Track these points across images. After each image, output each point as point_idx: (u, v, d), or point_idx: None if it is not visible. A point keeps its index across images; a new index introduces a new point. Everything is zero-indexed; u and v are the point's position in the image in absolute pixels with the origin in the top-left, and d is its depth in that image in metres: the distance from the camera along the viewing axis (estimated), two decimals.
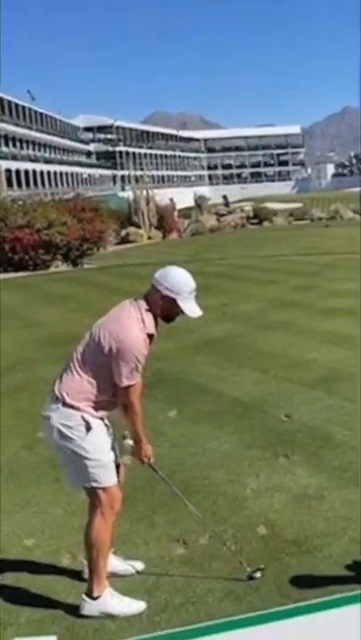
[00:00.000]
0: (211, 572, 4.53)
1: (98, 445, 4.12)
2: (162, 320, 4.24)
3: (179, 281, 4.15)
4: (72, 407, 4.08)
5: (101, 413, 4.17)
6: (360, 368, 8.71)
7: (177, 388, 8.47)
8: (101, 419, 4.18)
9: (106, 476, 4.15)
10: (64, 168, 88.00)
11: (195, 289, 4.20)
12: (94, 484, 4.15)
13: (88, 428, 4.07)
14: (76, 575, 4.58)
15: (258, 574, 4.39)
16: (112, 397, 4.16)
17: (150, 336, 4.13)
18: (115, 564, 4.52)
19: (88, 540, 4.22)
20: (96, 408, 4.12)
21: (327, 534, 4.90)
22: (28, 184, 73.83)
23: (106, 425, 4.23)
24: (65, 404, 4.08)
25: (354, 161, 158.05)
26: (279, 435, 6.81)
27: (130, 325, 4.07)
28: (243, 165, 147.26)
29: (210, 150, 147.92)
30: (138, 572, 4.58)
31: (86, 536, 4.24)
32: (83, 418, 4.07)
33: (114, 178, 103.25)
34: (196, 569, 4.59)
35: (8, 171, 70.03)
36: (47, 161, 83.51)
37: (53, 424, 4.09)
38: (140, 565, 4.63)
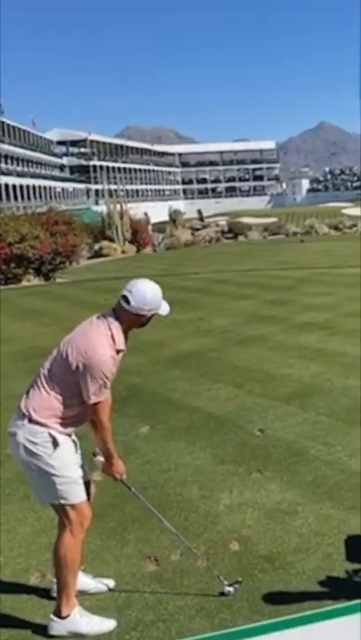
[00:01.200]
0: (182, 589, 4.48)
1: (66, 462, 4.04)
2: (135, 327, 4.20)
3: (146, 293, 4.12)
4: (38, 423, 4.00)
5: (69, 429, 4.10)
6: (335, 383, 8.71)
7: (150, 404, 8.40)
8: (69, 435, 4.11)
9: (74, 492, 4.07)
10: (37, 182, 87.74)
11: (161, 298, 4.18)
12: (63, 502, 4.07)
13: (55, 444, 4.00)
14: (44, 594, 4.49)
15: (231, 589, 4.34)
16: (80, 414, 4.09)
17: (119, 352, 4.08)
18: (84, 581, 4.44)
19: (57, 558, 4.14)
20: (63, 424, 4.05)
21: (301, 550, 4.86)
22: (0, 197, 73.60)
23: (74, 441, 4.16)
24: (31, 421, 4.00)
25: (329, 176, 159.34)
26: (253, 450, 6.77)
27: (98, 342, 4.01)
28: (218, 180, 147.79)
29: (184, 165, 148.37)
30: (108, 590, 4.51)
31: (55, 554, 4.15)
32: (49, 434, 4.00)
33: (87, 192, 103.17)
34: (167, 586, 4.53)
35: None
36: (20, 174, 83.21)
37: (19, 440, 4.01)
38: (110, 583, 4.56)
